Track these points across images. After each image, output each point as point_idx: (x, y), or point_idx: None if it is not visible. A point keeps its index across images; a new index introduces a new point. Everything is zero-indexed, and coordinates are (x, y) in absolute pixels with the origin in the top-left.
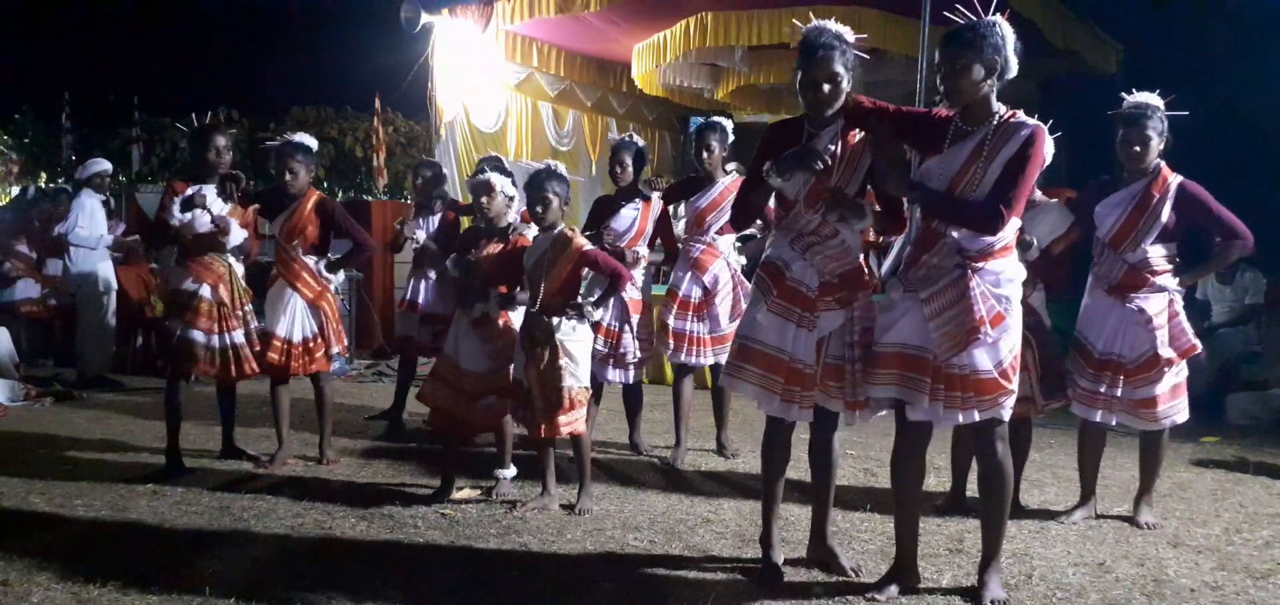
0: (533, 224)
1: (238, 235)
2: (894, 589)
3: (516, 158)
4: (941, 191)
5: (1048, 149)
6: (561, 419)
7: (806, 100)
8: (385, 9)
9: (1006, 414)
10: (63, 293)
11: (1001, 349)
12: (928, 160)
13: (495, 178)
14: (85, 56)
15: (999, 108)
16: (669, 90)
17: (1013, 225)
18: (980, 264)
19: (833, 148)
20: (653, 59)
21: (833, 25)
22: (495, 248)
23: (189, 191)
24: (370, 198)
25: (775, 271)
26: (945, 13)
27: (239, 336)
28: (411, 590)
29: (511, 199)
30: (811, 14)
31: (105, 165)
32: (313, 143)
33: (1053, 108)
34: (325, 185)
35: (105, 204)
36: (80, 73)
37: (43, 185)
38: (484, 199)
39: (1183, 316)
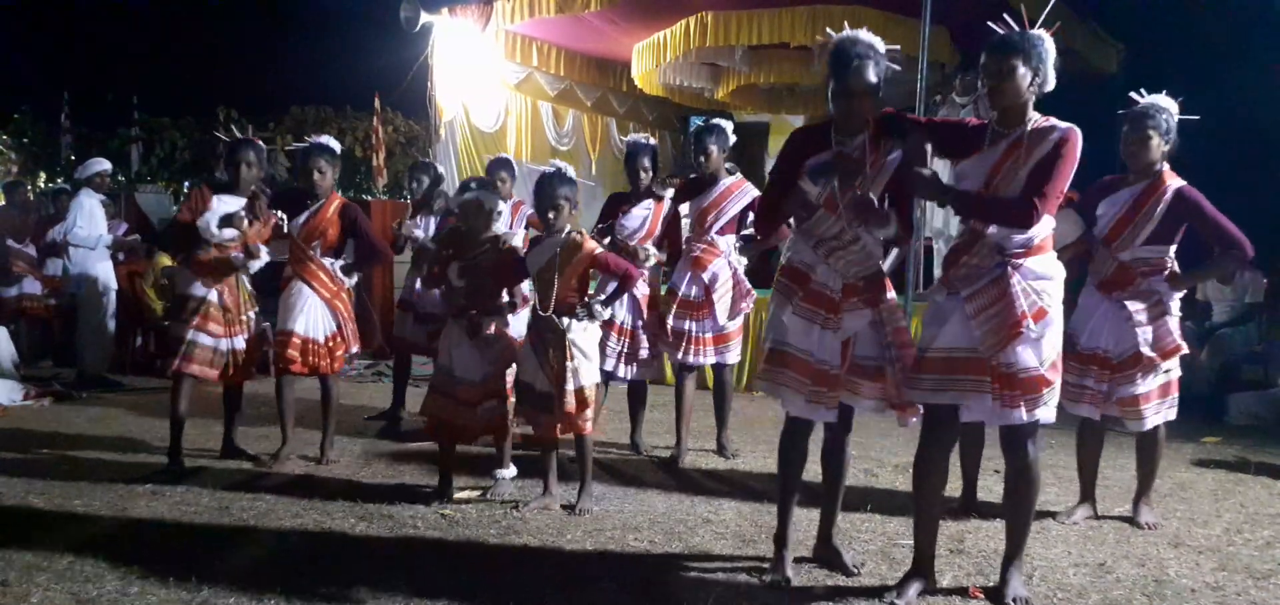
0: (533, 230)
1: (260, 261)
2: (913, 593)
3: (516, 157)
4: (973, 192)
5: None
6: (577, 418)
7: (840, 110)
8: (385, 9)
9: (1051, 413)
10: (63, 293)
11: (1045, 346)
12: (963, 162)
13: (483, 196)
14: (85, 56)
15: (1034, 114)
16: (669, 90)
17: (1048, 222)
18: (1020, 261)
19: (859, 157)
20: (653, 58)
21: (865, 35)
22: (487, 256)
23: (219, 203)
24: (370, 197)
25: (800, 275)
26: (944, 13)
27: (240, 342)
28: (411, 590)
29: (500, 214)
30: (812, 14)
31: (105, 165)
32: (336, 145)
33: (1053, 107)
34: None
35: (105, 204)
36: (80, 73)
37: (43, 184)
38: (473, 220)
39: (1173, 317)
